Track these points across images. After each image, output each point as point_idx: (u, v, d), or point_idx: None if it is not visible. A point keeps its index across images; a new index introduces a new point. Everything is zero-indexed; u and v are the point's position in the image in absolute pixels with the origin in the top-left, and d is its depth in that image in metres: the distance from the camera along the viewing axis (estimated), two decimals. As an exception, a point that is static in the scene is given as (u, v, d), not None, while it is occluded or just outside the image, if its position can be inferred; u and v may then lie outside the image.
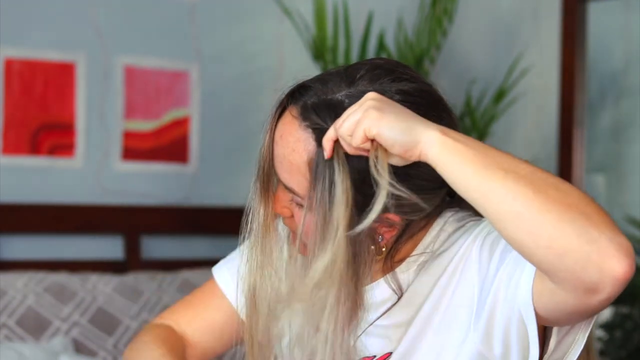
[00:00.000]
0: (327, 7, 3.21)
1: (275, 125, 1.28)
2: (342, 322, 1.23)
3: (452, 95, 1.36)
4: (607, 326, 3.72)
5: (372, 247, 1.26)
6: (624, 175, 4.30)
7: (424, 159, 1.16)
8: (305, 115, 1.25)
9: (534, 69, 3.77)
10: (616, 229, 1.10)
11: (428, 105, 1.25)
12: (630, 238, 4.23)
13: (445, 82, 3.69)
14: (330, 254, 1.19)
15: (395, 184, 1.17)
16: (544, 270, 1.12)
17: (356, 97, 1.22)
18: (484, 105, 3.51)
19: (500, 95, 3.47)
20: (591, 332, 1.29)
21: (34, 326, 2.71)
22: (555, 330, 1.23)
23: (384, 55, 3.28)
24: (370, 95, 1.19)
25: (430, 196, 1.24)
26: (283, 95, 1.29)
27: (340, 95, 1.24)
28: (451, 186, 1.16)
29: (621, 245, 1.08)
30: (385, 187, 1.17)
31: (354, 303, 1.24)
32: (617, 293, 1.09)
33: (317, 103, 1.24)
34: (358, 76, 1.25)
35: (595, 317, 1.20)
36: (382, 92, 1.22)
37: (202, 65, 3.30)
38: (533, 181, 1.11)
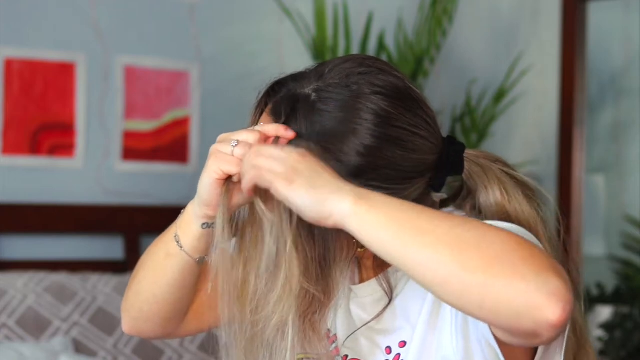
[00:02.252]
0: (327, 7, 3.21)
1: (257, 123, 1.32)
2: (311, 318, 1.24)
3: (452, 95, 1.36)
4: (607, 326, 3.72)
5: (354, 240, 1.23)
6: (624, 175, 4.30)
7: (340, 227, 1.13)
8: (274, 111, 1.28)
9: (534, 69, 3.77)
10: (546, 271, 1.04)
11: (396, 97, 1.25)
12: (631, 238, 4.22)
13: (445, 82, 3.69)
14: (287, 267, 1.20)
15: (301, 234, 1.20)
16: (483, 322, 1.12)
17: (324, 91, 1.24)
18: (484, 105, 3.50)
19: (500, 95, 3.47)
20: (581, 315, 1.29)
21: (34, 326, 2.72)
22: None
23: (384, 56, 3.28)
24: (293, 156, 1.15)
25: (402, 187, 1.23)
26: (261, 95, 1.32)
27: (308, 89, 1.26)
28: (375, 253, 1.13)
29: (551, 292, 1.03)
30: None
31: (325, 296, 1.24)
32: (561, 332, 1.06)
33: (285, 98, 1.27)
34: (327, 70, 1.27)
35: (566, 328, 1.18)
36: (348, 86, 1.24)
37: (202, 65, 3.30)
38: (452, 242, 1.06)
